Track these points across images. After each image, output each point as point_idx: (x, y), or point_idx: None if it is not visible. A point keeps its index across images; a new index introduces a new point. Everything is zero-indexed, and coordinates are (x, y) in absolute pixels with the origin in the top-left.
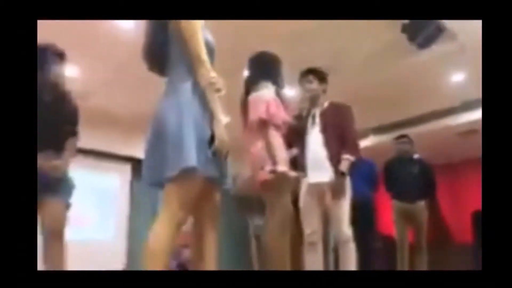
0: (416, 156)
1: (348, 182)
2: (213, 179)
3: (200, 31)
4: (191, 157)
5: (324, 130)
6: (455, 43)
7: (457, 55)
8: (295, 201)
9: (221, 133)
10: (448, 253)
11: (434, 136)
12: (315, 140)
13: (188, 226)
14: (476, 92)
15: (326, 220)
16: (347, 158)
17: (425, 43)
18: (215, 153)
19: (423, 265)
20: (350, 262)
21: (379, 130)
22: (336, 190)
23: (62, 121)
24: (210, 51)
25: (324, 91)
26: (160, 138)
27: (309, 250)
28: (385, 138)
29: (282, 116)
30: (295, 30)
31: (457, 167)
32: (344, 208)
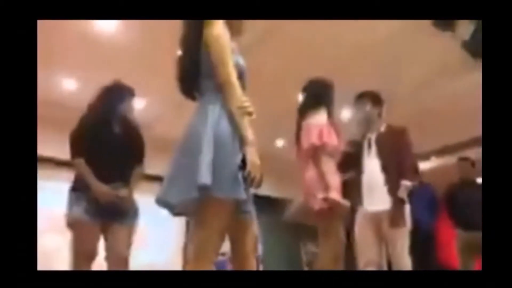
0: (479, 180)
1: (407, 209)
2: (241, 204)
3: (230, 53)
4: (205, 175)
5: (381, 155)
6: None
7: None
8: (348, 230)
9: (253, 157)
10: None
11: None
12: (371, 166)
13: None
14: None
15: (383, 250)
16: (405, 184)
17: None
18: (246, 178)
19: None
20: None
21: (442, 151)
22: (394, 218)
23: (131, 153)
24: (241, 74)
25: (380, 115)
26: (182, 157)
27: None
28: (449, 160)
29: (335, 142)
30: (350, 52)
31: None
32: (403, 238)
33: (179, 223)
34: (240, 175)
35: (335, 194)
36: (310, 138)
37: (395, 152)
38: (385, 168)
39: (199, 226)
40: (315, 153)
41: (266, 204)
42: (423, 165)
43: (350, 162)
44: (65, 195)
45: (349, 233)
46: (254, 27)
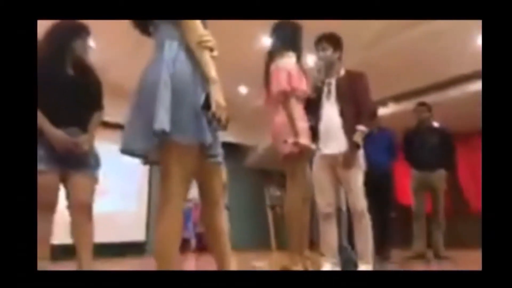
0: (436, 124)
1: (361, 153)
2: (206, 148)
3: None
4: (162, 120)
5: (339, 100)
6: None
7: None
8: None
9: (217, 96)
10: (466, 222)
11: (453, 103)
12: (330, 111)
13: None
14: None
15: (339, 192)
16: (360, 129)
17: None
18: (211, 120)
19: (439, 234)
20: (366, 234)
21: (399, 97)
22: (349, 161)
23: (87, 96)
24: None
25: (340, 59)
26: (140, 102)
27: (324, 221)
28: (406, 105)
29: (303, 87)
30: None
31: (475, 136)
32: (358, 180)
33: (141, 170)
34: (203, 117)
35: (305, 139)
36: (280, 83)
37: (353, 96)
38: (342, 113)
39: (163, 172)
40: (285, 98)
41: (229, 151)
42: (382, 111)
43: (311, 107)
44: None
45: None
46: None
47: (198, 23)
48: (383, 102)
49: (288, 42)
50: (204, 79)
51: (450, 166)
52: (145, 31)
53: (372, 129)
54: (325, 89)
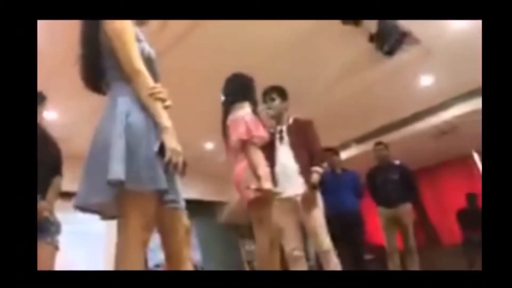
0: (396, 162)
1: (318, 194)
2: (164, 194)
3: (133, 41)
4: (116, 169)
5: (293, 145)
6: (420, 48)
7: (424, 59)
8: None
9: (172, 142)
10: (438, 255)
11: (410, 140)
12: (284, 155)
13: None
14: (446, 94)
15: (303, 234)
16: (316, 170)
17: (391, 50)
18: (167, 166)
19: (414, 266)
20: (337, 267)
21: (361, 139)
22: (308, 202)
23: (45, 163)
24: (149, 62)
25: (286, 109)
26: (94, 156)
27: (294, 265)
28: (368, 146)
29: (262, 133)
30: (271, 44)
31: (436, 169)
32: (319, 219)
33: (105, 239)
34: (159, 164)
35: (267, 184)
36: (238, 133)
37: (304, 141)
38: (297, 157)
39: (121, 222)
40: (244, 146)
41: (201, 208)
42: (346, 153)
43: (265, 153)
44: None
45: None
46: (175, 26)
47: (148, 77)
48: (347, 144)
49: (241, 93)
50: (158, 129)
51: (413, 197)
52: (97, 89)
53: (325, 169)
54: (277, 136)
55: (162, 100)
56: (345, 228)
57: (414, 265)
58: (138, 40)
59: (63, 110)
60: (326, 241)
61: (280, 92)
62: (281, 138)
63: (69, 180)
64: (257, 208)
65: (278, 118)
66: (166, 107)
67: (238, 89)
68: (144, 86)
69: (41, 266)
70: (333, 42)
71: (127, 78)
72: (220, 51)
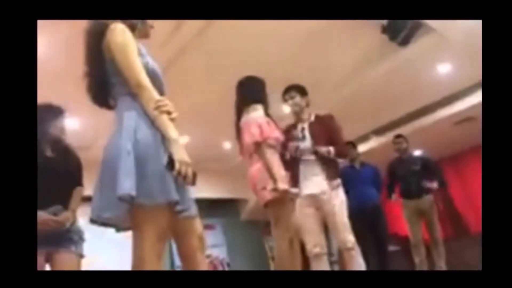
0: (417, 153)
1: (342, 190)
2: (176, 205)
3: (136, 56)
4: (125, 185)
5: (315, 142)
6: (434, 37)
7: (439, 48)
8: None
9: (180, 154)
10: (466, 244)
11: (432, 129)
12: (306, 153)
13: None
14: (465, 80)
15: (326, 230)
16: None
17: (405, 40)
18: (177, 178)
19: (441, 259)
20: (362, 267)
21: (380, 131)
22: (332, 199)
23: (67, 175)
24: (154, 76)
25: (308, 105)
26: (105, 171)
27: (315, 262)
28: (387, 138)
29: (275, 135)
30: (283, 42)
31: (460, 157)
32: (343, 215)
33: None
34: (169, 177)
35: (283, 184)
36: (252, 135)
37: (326, 137)
38: (318, 154)
39: (136, 236)
40: (258, 148)
41: (223, 207)
42: (366, 146)
43: (288, 150)
44: None
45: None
46: (188, 27)
47: (152, 91)
48: (366, 137)
49: (254, 95)
50: (166, 142)
51: (442, 184)
52: (105, 105)
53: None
54: (299, 134)
55: (168, 113)
56: (367, 222)
57: (441, 257)
58: (141, 55)
59: (85, 118)
60: (349, 237)
61: (299, 89)
62: (303, 136)
63: (92, 186)
64: (274, 209)
65: (299, 115)
66: (172, 120)
67: (251, 91)
68: (149, 100)
69: None
70: (346, 35)
71: (133, 93)
72: (236, 50)
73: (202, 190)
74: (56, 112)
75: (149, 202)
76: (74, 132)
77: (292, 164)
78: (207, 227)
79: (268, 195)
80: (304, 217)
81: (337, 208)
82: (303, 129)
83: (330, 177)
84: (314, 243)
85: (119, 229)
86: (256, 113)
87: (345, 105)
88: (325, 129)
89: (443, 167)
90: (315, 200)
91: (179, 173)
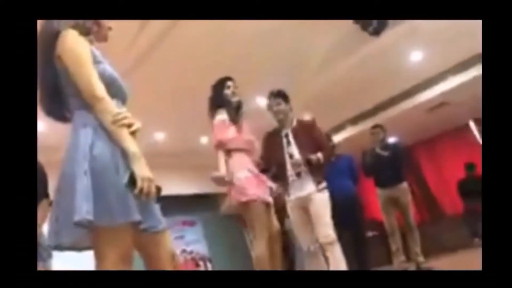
0: (390, 141)
1: (326, 191)
2: (139, 224)
3: (90, 65)
4: (82, 210)
5: (300, 146)
6: (406, 25)
7: (411, 37)
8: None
9: (141, 170)
10: (442, 227)
11: (406, 116)
12: (293, 157)
13: None
14: (436, 68)
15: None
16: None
17: (377, 30)
18: (139, 196)
19: (416, 245)
20: (340, 261)
21: (355, 120)
22: (317, 200)
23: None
24: (112, 83)
25: (291, 109)
26: (59, 195)
27: (310, 259)
28: (363, 126)
29: (239, 139)
30: (254, 33)
31: (434, 141)
32: (325, 216)
33: None
34: (130, 195)
35: (252, 189)
36: (214, 139)
37: (311, 141)
38: (305, 157)
39: (97, 256)
40: (222, 151)
41: (201, 203)
42: (342, 135)
43: (274, 157)
44: None
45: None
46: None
47: (110, 103)
48: (342, 126)
49: (214, 101)
50: (125, 157)
51: (402, 178)
52: (59, 117)
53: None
54: (284, 140)
55: (128, 126)
56: (344, 213)
57: (416, 242)
58: (97, 62)
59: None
60: (330, 233)
61: (283, 95)
62: (288, 142)
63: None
64: (246, 211)
65: (284, 121)
66: (133, 133)
67: (212, 97)
68: (106, 113)
69: None
70: (317, 27)
71: (88, 105)
72: (205, 46)
73: (180, 186)
74: None
75: (109, 224)
76: (40, 134)
77: (279, 167)
78: (187, 223)
79: (238, 198)
80: (296, 218)
81: (322, 209)
82: (287, 134)
83: (317, 180)
84: (309, 240)
85: (80, 250)
86: (219, 117)
87: (319, 95)
88: (309, 135)
89: (418, 152)
90: (302, 202)
91: (141, 190)
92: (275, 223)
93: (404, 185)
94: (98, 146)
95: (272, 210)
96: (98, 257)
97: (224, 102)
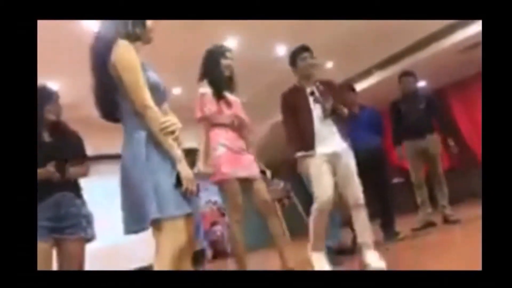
0: (421, 90)
1: (351, 150)
2: (190, 215)
3: (140, 75)
4: (152, 209)
5: (325, 104)
6: None
7: None
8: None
9: (185, 172)
10: (473, 174)
11: (437, 58)
12: (319, 114)
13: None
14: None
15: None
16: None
17: None
18: (185, 194)
19: (444, 197)
20: (367, 223)
21: (382, 65)
22: (345, 159)
23: (70, 157)
24: (155, 89)
25: (316, 65)
26: (127, 192)
27: (320, 216)
28: (390, 71)
29: (220, 113)
30: None
31: (466, 84)
32: (354, 175)
33: None
34: (179, 193)
35: (225, 167)
36: (195, 111)
37: (334, 98)
38: (332, 114)
39: (159, 245)
40: (203, 125)
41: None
42: (368, 81)
43: (301, 114)
44: None
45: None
46: None
47: (156, 112)
48: (368, 72)
49: (201, 72)
50: (172, 160)
51: (446, 128)
52: (114, 120)
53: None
54: (311, 98)
55: (172, 133)
56: (366, 166)
57: (444, 195)
58: (144, 70)
59: (66, 78)
60: (360, 195)
61: (310, 51)
62: (315, 99)
63: (90, 145)
64: (221, 189)
65: (309, 77)
66: (175, 139)
67: (202, 66)
68: (155, 121)
69: (71, 263)
70: None
71: (139, 112)
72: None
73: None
74: (48, 95)
75: (170, 218)
76: (60, 92)
77: (306, 124)
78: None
79: (212, 177)
80: (320, 173)
81: (351, 168)
82: (312, 92)
83: (344, 137)
84: (328, 198)
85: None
86: (202, 89)
87: (345, 39)
88: (332, 93)
89: (449, 96)
90: (330, 159)
91: (186, 190)
92: (263, 195)
93: (435, 136)
94: (151, 151)
95: (258, 184)
96: (161, 245)
97: (214, 74)
